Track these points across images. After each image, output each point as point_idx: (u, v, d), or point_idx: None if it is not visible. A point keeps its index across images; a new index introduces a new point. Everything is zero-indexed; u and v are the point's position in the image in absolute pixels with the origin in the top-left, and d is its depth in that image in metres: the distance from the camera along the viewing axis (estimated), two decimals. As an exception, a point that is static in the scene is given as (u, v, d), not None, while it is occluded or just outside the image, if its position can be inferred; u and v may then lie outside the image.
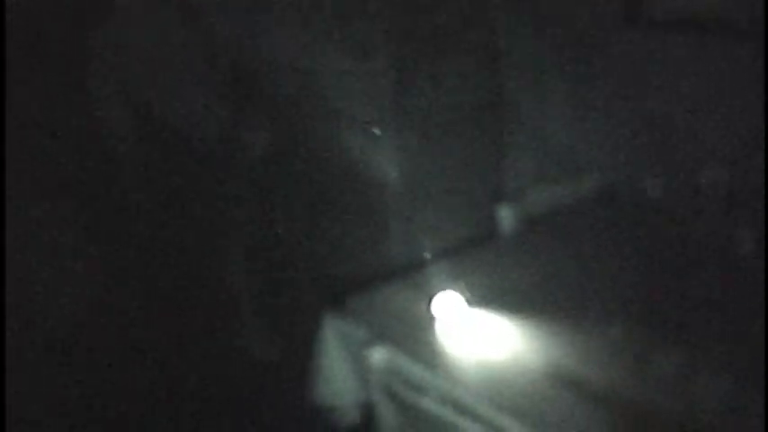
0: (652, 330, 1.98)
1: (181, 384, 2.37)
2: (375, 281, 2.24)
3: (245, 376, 2.46)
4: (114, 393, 2.27)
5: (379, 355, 1.97)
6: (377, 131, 2.31)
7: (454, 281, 2.11)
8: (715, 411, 1.72)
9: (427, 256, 2.36)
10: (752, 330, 1.89)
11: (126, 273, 2.29)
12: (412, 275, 2.26)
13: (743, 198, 2.27)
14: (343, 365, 2.15)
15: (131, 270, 2.30)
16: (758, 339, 1.85)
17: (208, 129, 2.34)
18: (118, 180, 2.24)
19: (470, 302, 2.05)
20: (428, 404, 1.86)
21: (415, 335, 2.00)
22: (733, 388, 1.78)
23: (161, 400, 2.34)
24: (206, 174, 2.36)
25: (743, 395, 1.75)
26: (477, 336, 1.97)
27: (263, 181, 2.45)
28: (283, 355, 2.51)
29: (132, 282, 2.31)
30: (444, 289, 2.07)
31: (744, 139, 2.31)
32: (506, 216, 2.52)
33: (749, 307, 1.98)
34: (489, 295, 2.09)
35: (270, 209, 2.49)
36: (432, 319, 2.03)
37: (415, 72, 2.53)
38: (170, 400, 2.36)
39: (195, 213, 2.37)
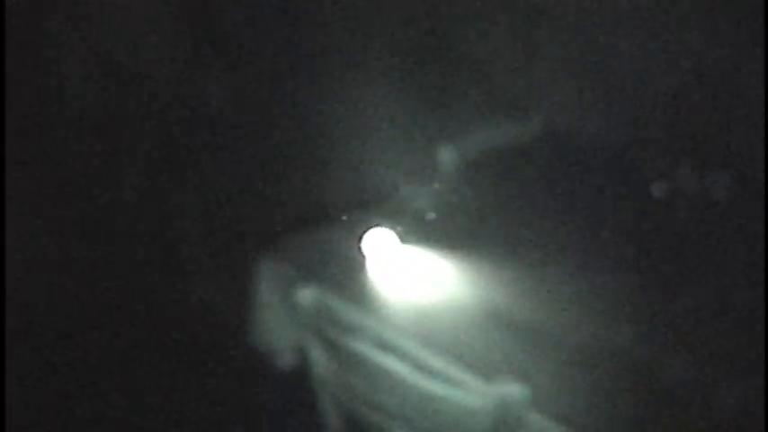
0: (593, 270, 1.95)
1: (124, 333, 2.34)
2: (310, 221, 2.18)
3: (186, 321, 2.43)
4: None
5: (308, 296, 1.91)
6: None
7: (390, 219, 2.05)
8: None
9: (365, 196, 2.30)
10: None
11: (78, 218, 2.31)
12: (349, 215, 2.19)
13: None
14: (277, 308, 2.09)
15: (84, 216, 2.31)
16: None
17: (166, 78, 2.34)
18: (74, 126, 2.25)
19: (404, 240, 1.99)
20: (358, 345, 1.80)
21: (345, 274, 1.94)
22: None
23: (108, 350, 2.34)
24: (160, 121, 2.35)
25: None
26: (410, 274, 1.92)
27: (212, 128, 2.42)
28: (222, 299, 2.47)
29: (81, 227, 2.32)
30: (379, 227, 2.00)
31: (692, 78, 2.28)
32: (447, 157, 2.46)
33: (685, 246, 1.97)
34: (425, 234, 2.04)
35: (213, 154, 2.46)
36: (363, 257, 1.97)
37: (358, 18, 2.48)
38: (115, 349, 2.35)
39: (146, 161, 2.38)
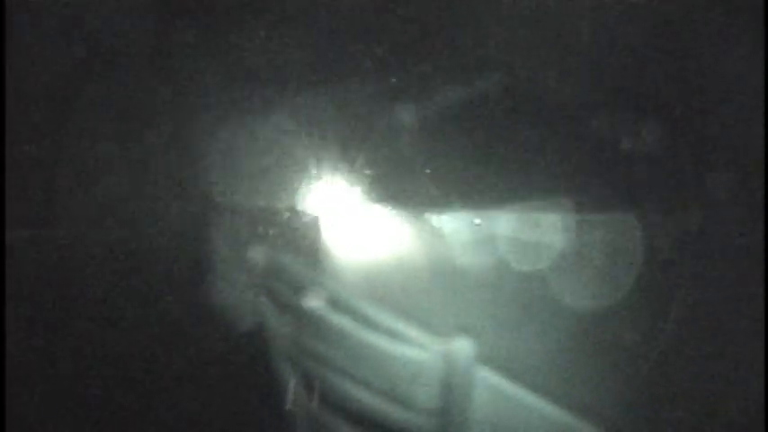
0: (548, 229, 1.95)
1: (81, 299, 2.33)
2: (262, 179, 2.17)
3: (142, 283, 2.42)
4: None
5: (262, 256, 1.90)
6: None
7: (344, 178, 2.04)
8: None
9: (320, 155, 2.28)
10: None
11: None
12: (303, 171, 2.18)
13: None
14: (231, 268, 2.08)
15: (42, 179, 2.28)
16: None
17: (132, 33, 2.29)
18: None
19: (359, 199, 1.98)
20: (310, 303, 1.81)
21: (298, 233, 1.93)
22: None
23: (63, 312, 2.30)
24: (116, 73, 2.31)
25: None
26: (362, 233, 1.91)
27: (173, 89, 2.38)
28: (177, 260, 2.46)
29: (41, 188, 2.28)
30: (333, 185, 1.99)
31: (653, 32, 2.27)
32: (405, 114, 2.44)
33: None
34: (379, 191, 2.03)
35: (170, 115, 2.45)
36: (316, 216, 1.96)
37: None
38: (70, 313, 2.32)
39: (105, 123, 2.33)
